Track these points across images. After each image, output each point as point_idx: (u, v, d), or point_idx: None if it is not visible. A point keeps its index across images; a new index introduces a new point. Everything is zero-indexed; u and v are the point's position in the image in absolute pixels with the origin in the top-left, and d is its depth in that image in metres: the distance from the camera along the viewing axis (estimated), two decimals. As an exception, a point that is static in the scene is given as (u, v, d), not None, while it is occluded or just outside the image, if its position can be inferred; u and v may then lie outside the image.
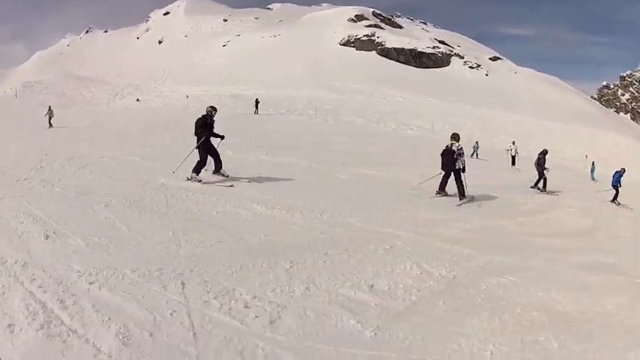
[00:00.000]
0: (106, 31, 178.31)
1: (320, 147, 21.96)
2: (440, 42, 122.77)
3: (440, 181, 11.62)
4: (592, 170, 33.31)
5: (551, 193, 16.56)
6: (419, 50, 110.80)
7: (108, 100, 63.21)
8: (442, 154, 11.52)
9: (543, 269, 6.67)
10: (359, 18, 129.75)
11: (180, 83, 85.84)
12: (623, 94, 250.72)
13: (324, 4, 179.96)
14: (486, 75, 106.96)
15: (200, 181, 10.05)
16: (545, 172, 17.20)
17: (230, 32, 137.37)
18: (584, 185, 24.97)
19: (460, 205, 10.80)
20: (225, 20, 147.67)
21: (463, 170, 11.34)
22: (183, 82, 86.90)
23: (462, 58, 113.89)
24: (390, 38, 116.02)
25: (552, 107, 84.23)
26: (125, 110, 47.57)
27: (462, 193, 11.14)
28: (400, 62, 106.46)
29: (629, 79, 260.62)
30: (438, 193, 11.49)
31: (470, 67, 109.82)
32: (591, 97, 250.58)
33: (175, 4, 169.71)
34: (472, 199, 11.40)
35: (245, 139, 20.69)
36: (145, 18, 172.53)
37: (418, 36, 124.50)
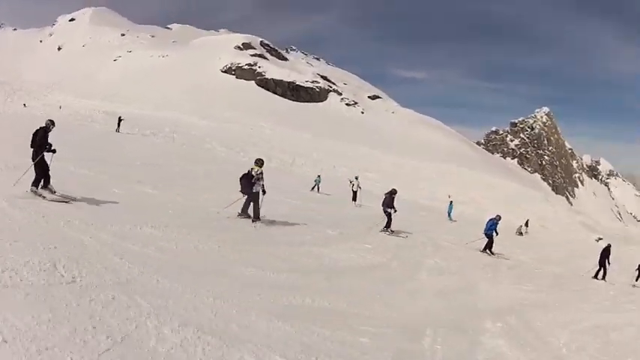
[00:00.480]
0: (15, 29, 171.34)
1: (149, 167, 21.72)
2: (322, 77, 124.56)
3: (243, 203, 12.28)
4: (449, 209, 32.73)
5: (396, 233, 16.32)
6: (297, 83, 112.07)
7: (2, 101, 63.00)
8: (241, 178, 11.83)
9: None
10: (245, 46, 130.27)
11: (70, 94, 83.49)
12: (512, 140, 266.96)
13: (222, 30, 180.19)
14: (362, 113, 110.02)
15: (43, 196, 9.52)
16: (392, 212, 16.75)
17: (123, 47, 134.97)
18: (440, 225, 25.46)
19: (254, 226, 11.47)
20: (123, 35, 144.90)
21: (264, 193, 11.93)
22: (73, 93, 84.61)
23: (340, 94, 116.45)
24: (270, 69, 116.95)
25: (427, 148, 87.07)
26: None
27: (256, 216, 11.78)
28: (277, 94, 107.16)
29: (521, 126, 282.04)
30: (239, 214, 11.95)
31: (347, 104, 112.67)
32: (478, 142, 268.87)
33: (82, 11, 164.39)
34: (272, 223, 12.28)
35: (84, 155, 19.96)
36: (53, 21, 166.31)
37: (301, 70, 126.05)
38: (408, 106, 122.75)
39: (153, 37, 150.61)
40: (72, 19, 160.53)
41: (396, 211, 16.51)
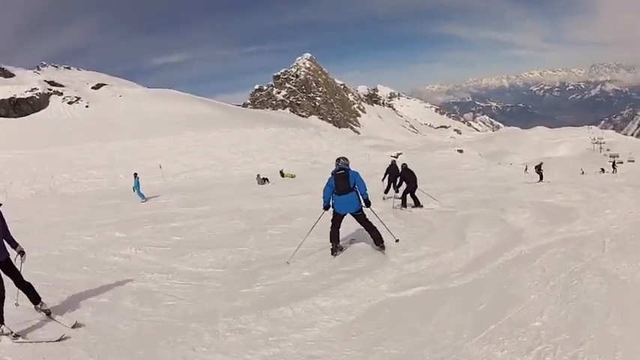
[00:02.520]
0: None
1: None
2: (48, 82, 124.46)
3: None
4: (136, 186, 28.09)
5: None
6: (18, 97, 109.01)
7: None
8: None
9: None
10: None
11: None
12: (279, 92, 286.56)
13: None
14: (87, 107, 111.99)
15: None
16: None
17: None
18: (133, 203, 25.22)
19: None
20: None
21: None
22: None
23: (61, 94, 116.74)
24: None
25: (162, 121, 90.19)
26: None
27: None
28: (1, 116, 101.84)
29: (284, 77, 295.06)
30: None
31: (69, 102, 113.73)
32: (244, 103, 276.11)
33: None
34: None
35: None
36: None
37: (26, 81, 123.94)
38: (178, 88, 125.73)
39: None
40: None
41: None
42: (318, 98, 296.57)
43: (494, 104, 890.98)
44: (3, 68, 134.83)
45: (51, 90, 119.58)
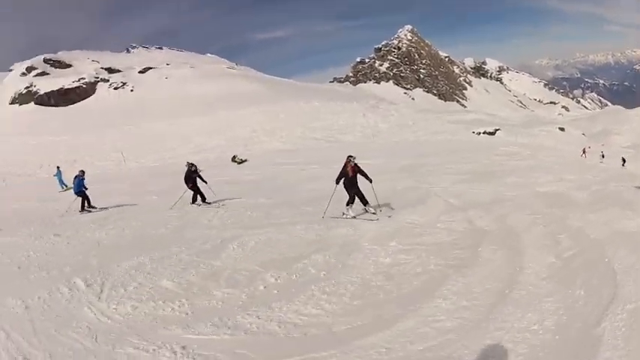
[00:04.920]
0: None
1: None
2: (106, 69, 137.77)
3: None
4: (58, 176, 31.42)
5: None
6: (66, 87, 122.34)
7: None
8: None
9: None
10: (29, 70, 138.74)
11: None
12: (381, 64, 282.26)
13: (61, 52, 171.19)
14: (131, 91, 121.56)
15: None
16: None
17: None
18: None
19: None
20: None
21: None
22: None
23: (108, 81, 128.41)
24: (43, 84, 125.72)
25: (201, 101, 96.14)
26: None
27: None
28: (52, 105, 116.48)
29: (386, 49, 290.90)
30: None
31: (115, 88, 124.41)
32: (346, 76, 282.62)
33: None
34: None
35: None
36: None
37: (82, 70, 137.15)
38: (273, 66, 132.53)
39: None
40: None
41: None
42: (422, 70, 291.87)
43: (601, 81, 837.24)
44: (61, 62, 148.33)
45: (98, 78, 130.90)
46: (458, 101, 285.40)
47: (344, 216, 13.68)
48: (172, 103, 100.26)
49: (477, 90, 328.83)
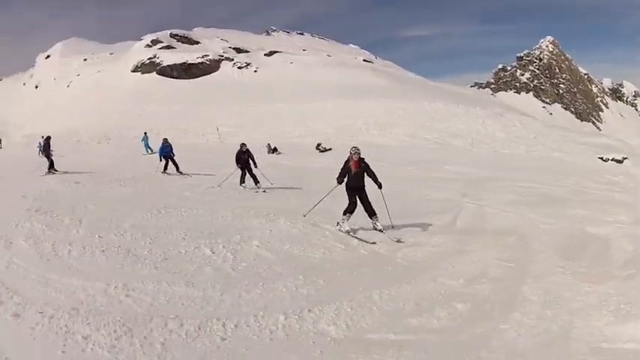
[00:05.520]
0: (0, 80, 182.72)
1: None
2: (234, 49, 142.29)
3: None
4: (145, 140, 38.38)
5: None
6: (189, 62, 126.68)
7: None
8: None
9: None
10: (154, 42, 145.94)
11: (37, 127, 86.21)
12: (523, 74, 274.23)
13: (196, 29, 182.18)
14: (255, 71, 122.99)
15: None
16: (51, 155, 22.74)
17: (81, 71, 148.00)
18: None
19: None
20: (85, 60, 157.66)
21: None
22: (39, 126, 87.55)
23: (232, 60, 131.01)
24: (166, 57, 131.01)
25: (322, 88, 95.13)
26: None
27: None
28: (174, 77, 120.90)
29: (528, 58, 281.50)
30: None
31: (239, 67, 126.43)
32: (487, 82, 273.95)
33: (55, 46, 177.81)
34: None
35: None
36: (33, 63, 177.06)
37: (209, 48, 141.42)
38: (416, 64, 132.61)
39: (112, 54, 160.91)
40: (47, 57, 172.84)
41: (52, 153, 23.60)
42: (562, 85, 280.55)
43: None
44: (188, 38, 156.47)
45: (222, 56, 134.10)
46: (594, 123, 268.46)
47: (337, 228, 11.46)
48: (294, 87, 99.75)
49: (612, 113, 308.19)
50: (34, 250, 8.92)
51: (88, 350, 5.59)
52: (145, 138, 38.10)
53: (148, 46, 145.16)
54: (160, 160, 22.23)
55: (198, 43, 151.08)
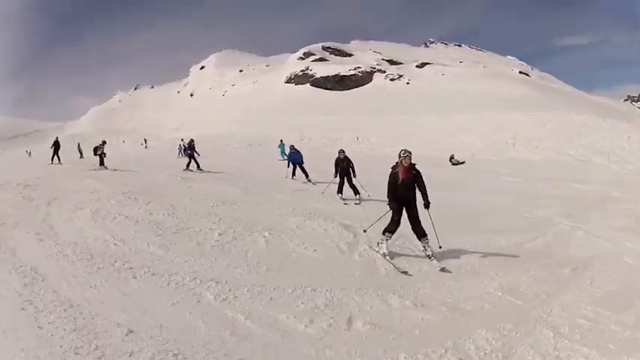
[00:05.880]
0: (152, 87, 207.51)
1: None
2: (387, 61, 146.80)
3: None
4: (281, 147, 39.53)
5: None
6: (342, 74, 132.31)
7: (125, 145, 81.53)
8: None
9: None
10: (307, 55, 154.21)
11: (186, 131, 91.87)
12: None
13: (353, 42, 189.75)
14: (407, 83, 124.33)
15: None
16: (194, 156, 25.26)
17: (236, 82, 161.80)
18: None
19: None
20: (241, 71, 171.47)
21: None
22: (189, 130, 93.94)
23: (384, 72, 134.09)
24: (319, 69, 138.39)
25: (471, 100, 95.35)
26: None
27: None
28: (327, 89, 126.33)
29: None
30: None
31: (391, 79, 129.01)
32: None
33: (209, 58, 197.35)
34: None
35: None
36: (187, 73, 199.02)
37: (362, 61, 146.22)
38: (572, 74, 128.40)
39: (268, 66, 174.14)
40: (202, 67, 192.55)
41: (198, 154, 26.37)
42: None
43: None
44: (340, 50, 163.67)
45: (375, 68, 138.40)
46: None
47: (376, 249, 9.38)
48: (445, 98, 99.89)
49: None
50: (90, 216, 11.29)
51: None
52: (282, 145, 39.95)
53: (301, 58, 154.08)
54: (288, 167, 22.79)
55: (351, 55, 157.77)
